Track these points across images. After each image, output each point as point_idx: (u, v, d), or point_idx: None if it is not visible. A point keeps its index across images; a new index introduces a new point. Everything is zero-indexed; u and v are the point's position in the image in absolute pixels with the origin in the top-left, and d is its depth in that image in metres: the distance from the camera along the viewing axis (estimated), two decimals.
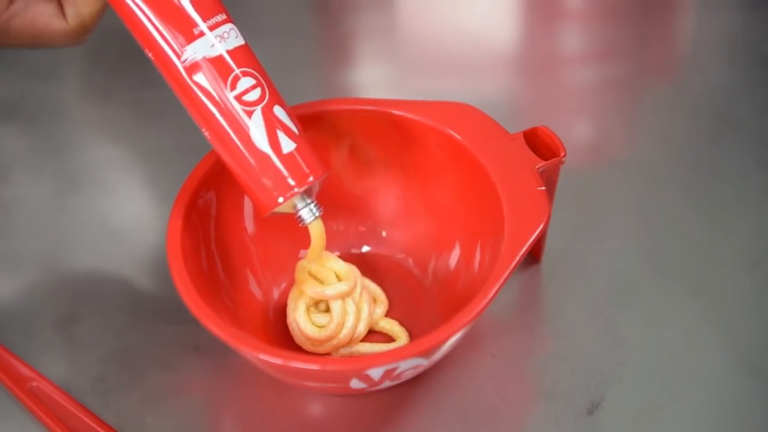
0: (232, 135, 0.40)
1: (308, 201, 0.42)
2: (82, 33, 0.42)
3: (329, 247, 0.49)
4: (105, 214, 0.55)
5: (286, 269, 0.49)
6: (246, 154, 0.40)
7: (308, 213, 0.42)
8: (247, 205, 0.48)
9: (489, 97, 0.63)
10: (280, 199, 0.41)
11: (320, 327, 0.46)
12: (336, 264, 0.46)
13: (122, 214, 0.55)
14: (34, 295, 0.50)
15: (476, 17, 0.72)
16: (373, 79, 0.68)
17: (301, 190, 0.41)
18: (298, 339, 0.46)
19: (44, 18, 0.41)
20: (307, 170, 0.41)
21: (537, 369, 0.46)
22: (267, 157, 0.40)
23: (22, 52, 0.67)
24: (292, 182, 0.41)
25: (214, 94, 0.40)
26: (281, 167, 0.40)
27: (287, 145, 0.40)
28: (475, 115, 0.47)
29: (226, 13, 0.40)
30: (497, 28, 0.71)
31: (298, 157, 0.41)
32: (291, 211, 0.42)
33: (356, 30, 0.73)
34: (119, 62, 0.67)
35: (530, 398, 0.45)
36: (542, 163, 0.45)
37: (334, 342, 0.45)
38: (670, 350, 0.47)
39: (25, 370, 0.45)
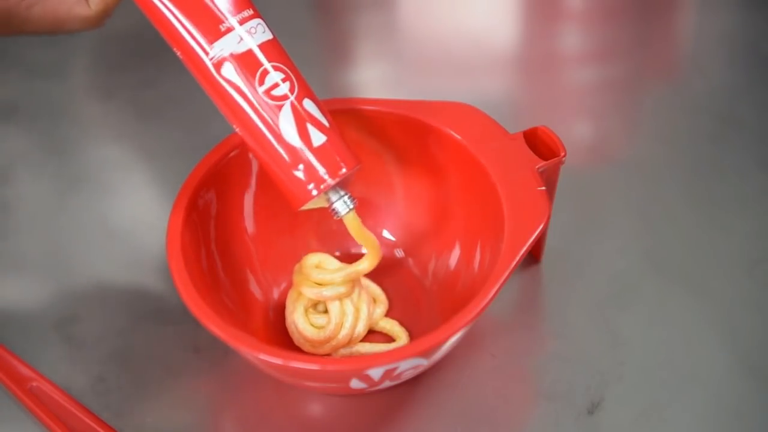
0: (263, 129, 0.40)
1: (342, 193, 0.42)
2: (103, 17, 0.42)
3: (329, 247, 0.49)
4: (105, 214, 0.55)
5: (286, 269, 0.49)
6: (277, 148, 0.40)
7: (342, 205, 0.42)
8: (247, 205, 0.48)
9: (489, 97, 0.63)
10: (314, 192, 0.41)
11: (319, 328, 0.46)
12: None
13: (122, 214, 0.55)
14: (34, 295, 0.50)
15: (476, 17, 0.72)
16: (373, 79, 0.68)
17: (334, 182, 0.41)
18: (297, 341, 0.46)
19: (66, 5, 0.41)
20: (339, 162, 0.41)
21: (537, 369, 0.46)
22: (298, 150, 0.40)
23: (22, 51, 0.67)
24: (324, 175, 0.40)
25: (244, 89, 0.40)
26: (313, 160, 0.40)
27: (318, 138, 0.40)
28: (475, 115, 0.47)
29: (253, 8, 0.41)
30: (497, 28, 0.71)
31: (330, 149, 0.41)
32: (325, 204, 0.42)
33: (356, 30, 0.73)
34: (120, 61, 0.67)
35: (530, 398, 0.45)
36: (542, 163, 0.45)
37: (333, 343, 0.45)
38: (670, 350, 0.47)
39: (25, 370, 0.45)
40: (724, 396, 0.45)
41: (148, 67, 0.64)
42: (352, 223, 0.43)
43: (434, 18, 0.73)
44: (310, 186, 0.41)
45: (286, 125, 0.40)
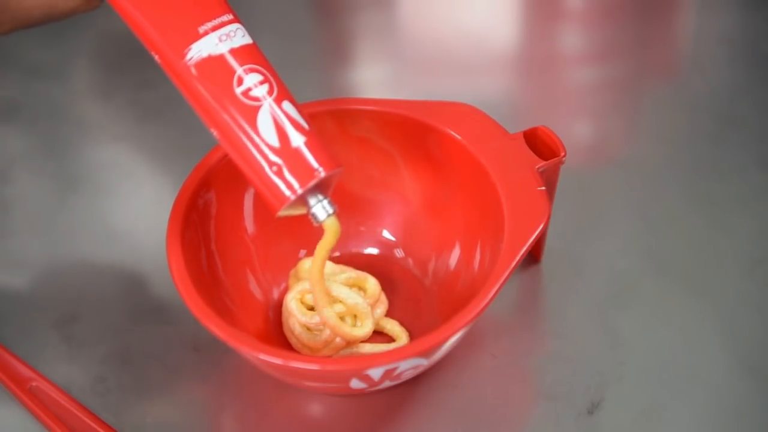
0: (239, 132, 0.39)
1: (321, 198, 0.40)
2: None
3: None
4: (105, 214, 0.55)
5: (286, 269, 0.49)
6: (253, 151, 0.39)
7: (321, 210, 0.40)
8: (247, 205, 0.48)
9: (489, 97, 0.63)
10: (290, 195, 0.39)
11: (317, 332, 0.45)
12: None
13: (122, 214, 0.55)
14: (34, 295, 0.50)
15: (476, 17, 0.72)
16: (373, 79, 0.68)
17: (311, 184, 0.39)
18: (295, 345, 0.46)
19: None
20: (317, 164, 0.39)
21: (537, 369, 0.46)
22: (275, 152, 0.39)
23: (22, 51, 0.67)
24: (301, 177, 0.39)
25: (220, 91, 0.39)
26: (290, 162, 0.39)
27: (296, 140, 0.39)
28: (475, 115, 0.47)
29: (232, 14, 0.40)
30: (497, 28, 0.71)
31: (308, 151, 0.39)
32: (304, 211, 0.41)
33: (356, 30, 0.73)
34: (119, 62, 0.67)
35: (530, 398, 0.45)
36: (542, 163, 0.45)
37: (332, 346, 0.45)
38: (670, 350, 0.47)
39: (25, 370, 0.45)
40: (724, 396, 0.45)
41: (147, 67, 0.63)
42: (332, 229, 0.41)
43: (434, 18, 0.73)
44: (286, 189, 0.39)
45: (263, 126, 0.39)
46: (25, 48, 0.67)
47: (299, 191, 0.39)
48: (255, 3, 0.71)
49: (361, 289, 0.47)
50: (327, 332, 0.45)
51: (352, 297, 0.45)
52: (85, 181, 0.58)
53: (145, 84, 0.63)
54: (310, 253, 0.49)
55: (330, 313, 0.44)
